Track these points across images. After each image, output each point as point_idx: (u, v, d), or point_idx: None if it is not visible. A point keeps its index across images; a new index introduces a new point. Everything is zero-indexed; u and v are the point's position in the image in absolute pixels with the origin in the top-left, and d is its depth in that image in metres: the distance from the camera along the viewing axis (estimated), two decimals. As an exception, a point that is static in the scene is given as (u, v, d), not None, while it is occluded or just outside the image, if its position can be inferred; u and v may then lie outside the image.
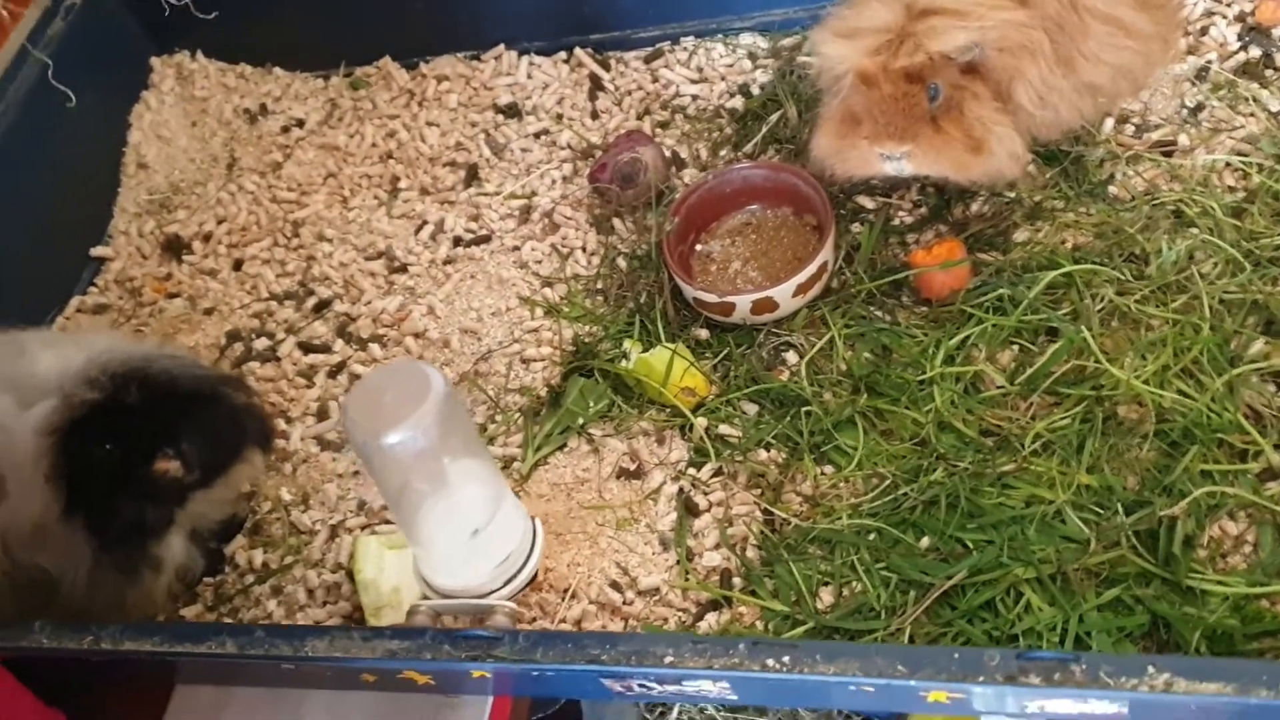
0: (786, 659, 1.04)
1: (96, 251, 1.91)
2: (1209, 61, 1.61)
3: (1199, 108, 1.59)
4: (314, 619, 1.43)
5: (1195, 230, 1.46)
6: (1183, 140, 1.56)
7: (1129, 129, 1.60)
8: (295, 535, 1.51)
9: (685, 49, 1.90)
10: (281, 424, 1.61)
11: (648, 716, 1.74)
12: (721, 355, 1.54)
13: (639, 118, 1.85)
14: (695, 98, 1.85)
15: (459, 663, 1.12)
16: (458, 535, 1.18)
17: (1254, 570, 1.21)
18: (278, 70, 2.07)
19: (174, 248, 1.87)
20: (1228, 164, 1.51)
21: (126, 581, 1.30)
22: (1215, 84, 1.60)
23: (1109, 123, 1.60)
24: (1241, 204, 1.48)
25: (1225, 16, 1.66)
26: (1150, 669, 0.96)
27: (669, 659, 1.06)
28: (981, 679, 0.99)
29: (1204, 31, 1.65)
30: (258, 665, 1.21)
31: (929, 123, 1.40)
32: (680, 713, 1.74)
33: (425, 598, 1.22)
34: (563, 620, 1.35)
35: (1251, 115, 1.55)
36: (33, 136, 1.85)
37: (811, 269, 1.51)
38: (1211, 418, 1.30)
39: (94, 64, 1.97)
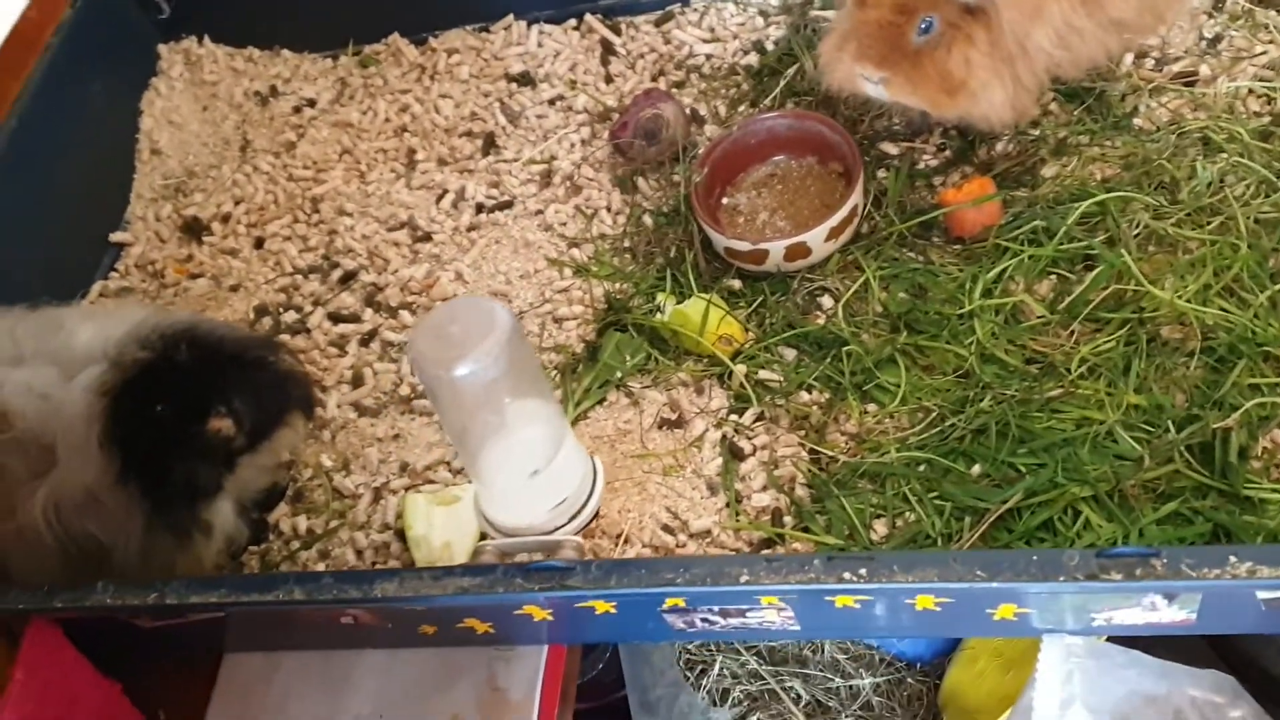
0: (864, 571, 1.04)
1: (115, 237, 1.89)
2: (1224, -6, 1.63)
3: (1218, 39, 1.60)
4: (364, 580, 1.41)
5: (1224, 155, 1.47)
6: (1204, 70, 1.57)
7: (1149, 63, 1.61)
8: (339, 500, 1.50)
9: (696, 10, 1.91)
10: (318, 393, 1.60)
11: (688, 674, 1.73)
12: (756, 304, 1.54)
13: (654, 79, 1.85)
14: (709, 57, 1.85)
15: (532, 594, 1.11)
16: (517, 475, 1.17)
17: (1309, 478, 1.22)
18: (286, 52, 2.06)
19: (193, 230, 1.86)
20: (1251, 90, 1.53)
21: (178, 546, 1.29)
22: (1232, 14, 1.62)
23: (1128, 58, 1.61)
24: (1268, 128, 1.49)
25: (1238, -51, 1.67)
26: (1232, 558, 0.96)
27: (745, 578, 1.06)
28: (1062, 578, 0.99)
29: (1216, -37, 1.67)
30: (323, 617, 1.20)
31: (910, 55, 1.42)
32: (721, 669, 1.73)
33: (487, 537, 1.21)
34: (618, 565, 1.34)
35: (1271, 42, 1.56)
36: (47, 126, 1.83)
37: (843, 212, 1.51)
38: (1256, 332, 1.31)
39: (103, 53, 1.96)
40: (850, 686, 1.65)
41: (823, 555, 1.06)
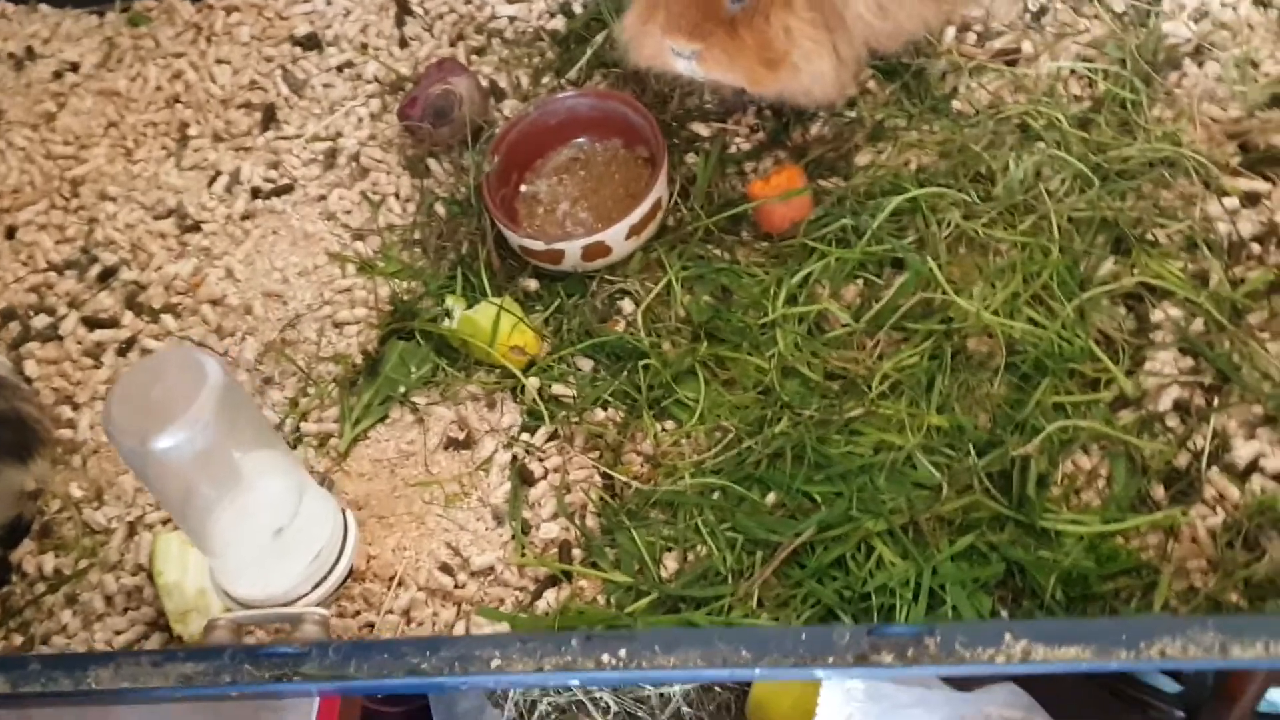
0: (623, 653, 0.95)
1: None
2: (1050, -40, 1.53)
3: (1042, 11, 1.50)
4: (114, 629, 1.28)
5: (1042, 145, 1.38)
6: (1026, 48, 1.48)
7: (971, 38, 1.51)
8: (89, 535, 1.35)
9: (500, -35, 1.74)
10: (67, 411, 1.44)
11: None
12: (553, 307, 1.42)
13: (452, 44, 1.69)
14: (513, 19, 1.69)
15: (263, 684, 1.00)
16: (259, 537, 1.05)
17: (1108, 506, 1.16)
18: (44, 7, 1.84)
19: (-66, 216, 1.66)
20: (1073, 71, 1.44)
21: None
22: (1058, -16, 1.52)
23: (950, 32, 1.51)
24: (1088, 114, 1.41)
25: (1064, -92, 1.57)
26: (1007, 636, 0.89)
27: (495, 663, 0.95)
28: (831, 660, 0.91)
29: (1044, -74, 1.56)
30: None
31: (725, 24, 1.29)
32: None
33: (227, 610, 1.08)
34: (390, 611, 1.23)
35: (1095, 18, 1.47)
36: None
37: (644, 208, 1.39)
38: (1063, 346, 1.24)
39: None
40: (661, 695, 1.58)
41: (580, 635, 0.96)
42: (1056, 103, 1.41)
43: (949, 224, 1.33)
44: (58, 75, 1.78)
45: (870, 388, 1.25)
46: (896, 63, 1.49)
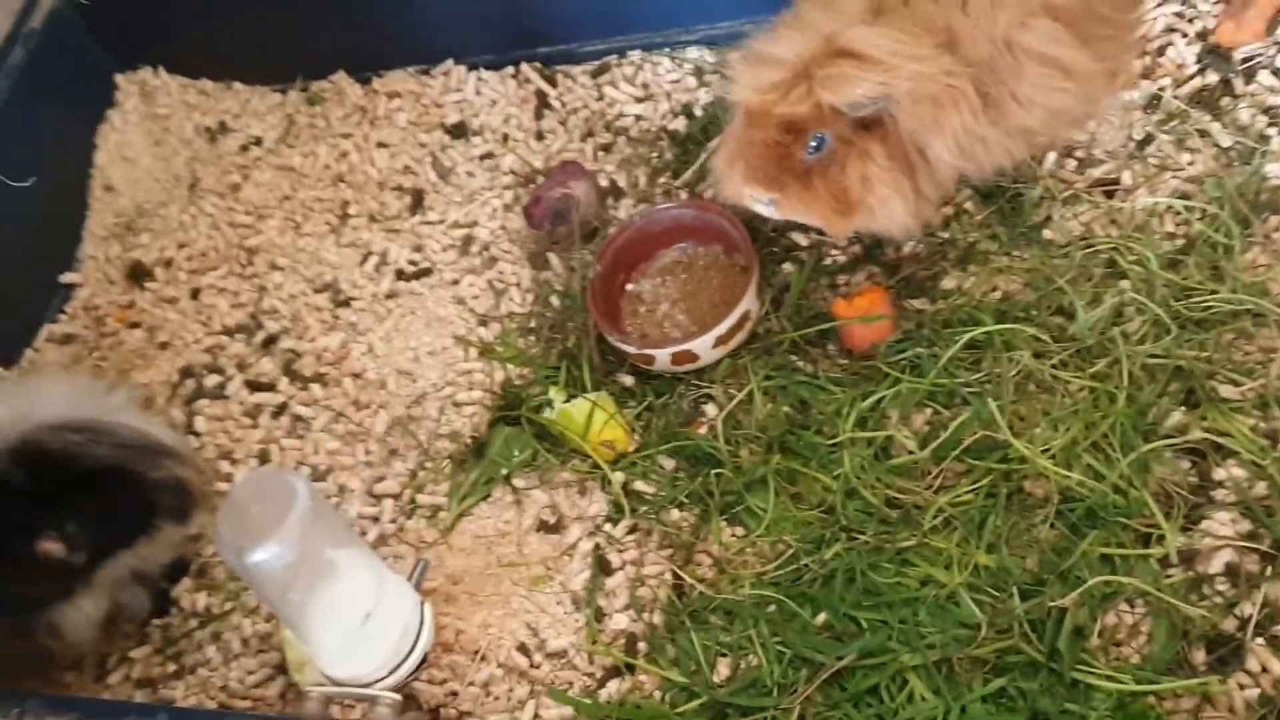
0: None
1: (66, 278, 1.95)
2: (1162, 89, 1.52)
3: (1147, 140, 1.50)
4: (246, 669, 1.49)
5: (1125, 284, 1.40)
6: (1126, 178, 1.48)
7: (1071, 163, 1.52)
8: (235, 580, 1.56)
9: (632, 63, 1.86)
10: (226, 466, 1.66)
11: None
12: (644, 405, 1.54)
13: (582, 139, 1.82)
14: (639, 118, 1.81)
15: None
16: (346, 624, 1.21)
17: (1145, 664, 1.19)
18: (237, 85, 2.07)
19: (137, 274, 1.91)
20: (1169, 208, 1.44)
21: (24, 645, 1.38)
22: (1168, 113, 1.51)
23: (1051, 156, 1.53)
24: (1178, 253, 1.41)
25: (1186, 34, 1.55)
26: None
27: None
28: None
29: (1161, 51, 1.56)
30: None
31: (800, 176, 1.35)
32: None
33: (320, 683, 1.26)
34: (471, 684, 1.39)
35: (1199, 152, 1.46)
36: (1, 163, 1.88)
37: (731, 320, 1.48)
38: (1116, 499, 1.26)
39: (60, 86, 1.99)
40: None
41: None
42: (1148, 239, 1.42)
43: (1019, 362, 1.37)
44: (244, 148, 2.01)
45: (925, 520, 1.31)
46: (995, 186, 1.52)
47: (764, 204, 1.41)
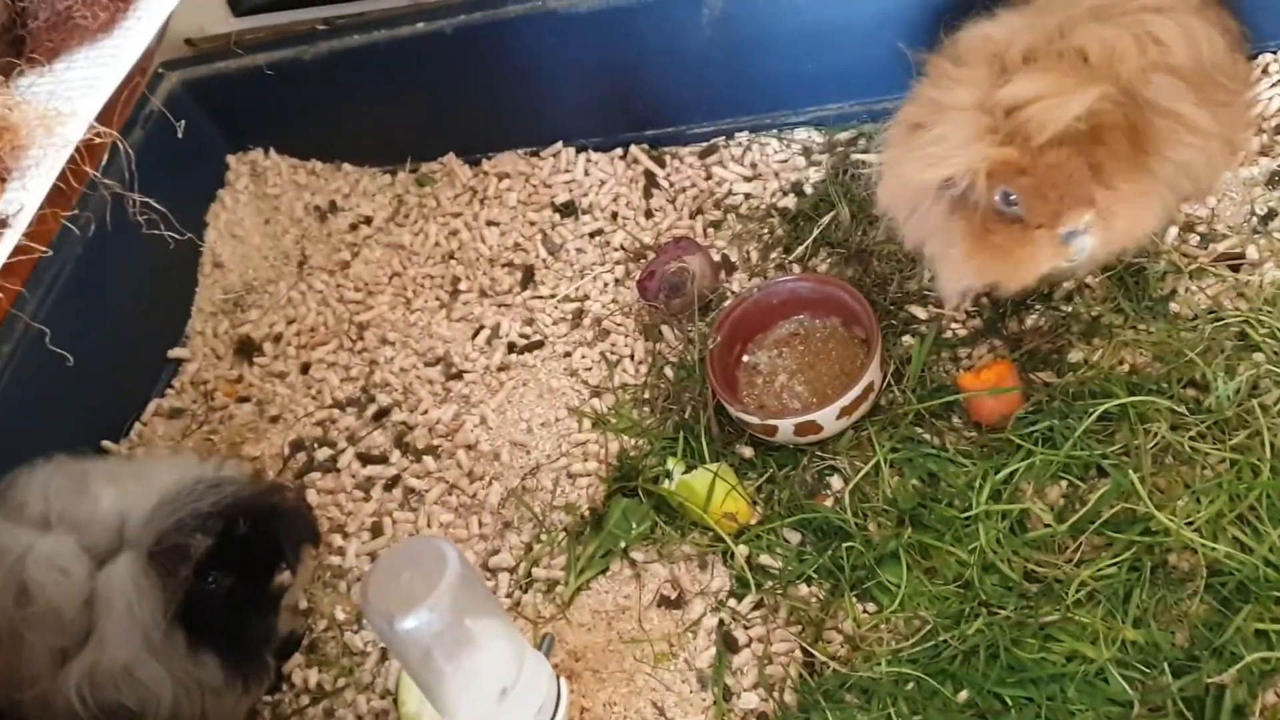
0: None
1: (174, 353, 1.98)
2: (1283, 165, 1.53)
3: (1270, 215, 1.50)
4: (362, 745, 1.47)
5: (1260, 356, 1.38)
6: (1251, 253, 1.48)
7: (1194, 238, 1.52)
8: (348, 656, 1.55)
9: (740, 144, 1.89)
10: (338, 539, 1.66)
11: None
12: (765, 476, 1.53)
13: (692, 216, 1.84)
14: (748, 196, 1.83)
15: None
16: (487, 696, 1.20)
17: (1310, 745, 1.15)
18: (347, 166, 2.12)
19: (246, 349, 1.94)
20: (1300, 280, 1.43)
21: (245, 692, 1.42)
22: (1290, 189, 1.52)
23: (1172, 231, 1.53)
24: (1312, 326, 1.40)
25: (1302, 111, 1.57)
26: None
27: None
28: None
29: (1279, 130, 1.56)
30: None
31: (1096, 183, 1.29)
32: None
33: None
34: (600, 760, 1.36)
35: (1326, 226, 1.46)
36: (116, 241, 1.92)
37: (856, 392, 1.48)
38: (1268, 572, 1.24)
39: (174, 166, 2.04)
40: None
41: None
42: (1279, 312, 1.41)
43: (1156, 435, 1.35)
44: (354, 227, 2.05)
45: (1067, 594, 1.29)
46: (1115, 260, 1.52)
47: (1081, 234, 1.31)
